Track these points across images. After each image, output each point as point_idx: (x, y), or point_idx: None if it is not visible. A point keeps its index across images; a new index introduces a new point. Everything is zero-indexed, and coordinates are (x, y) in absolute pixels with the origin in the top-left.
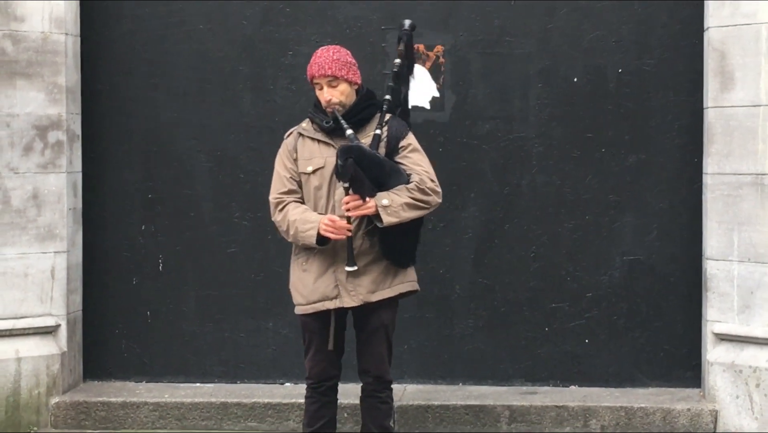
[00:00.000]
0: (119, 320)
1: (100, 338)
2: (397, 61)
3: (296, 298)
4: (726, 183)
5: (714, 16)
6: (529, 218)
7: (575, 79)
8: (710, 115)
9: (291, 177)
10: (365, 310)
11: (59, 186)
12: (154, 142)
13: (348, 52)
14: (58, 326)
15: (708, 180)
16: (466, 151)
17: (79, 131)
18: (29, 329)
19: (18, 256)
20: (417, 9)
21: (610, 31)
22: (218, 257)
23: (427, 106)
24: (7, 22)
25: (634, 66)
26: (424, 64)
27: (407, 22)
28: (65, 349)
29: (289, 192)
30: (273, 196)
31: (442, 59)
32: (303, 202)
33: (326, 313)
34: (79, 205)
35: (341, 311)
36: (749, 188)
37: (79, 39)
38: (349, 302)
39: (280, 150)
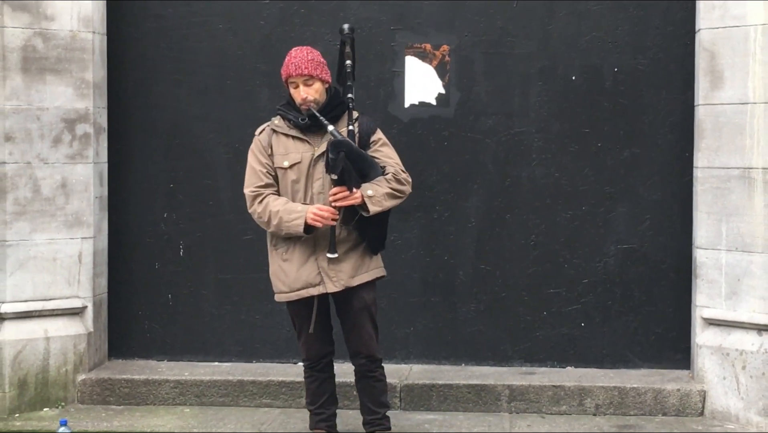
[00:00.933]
0: (142, 302)
1: (124, 319)
2: (348, 62)
3: (278, 286)
4: (715, 176)
5: (705, 18)
6: (529, 208)
7: (573, 78)
8: (701, 112)
9: (267, 171)
10: (347, 294)
11: (86, 176)
12: (176, 135)
13: (319, 52)
14: (85, 307)
15: (698, 173)
16: (470, 145)
17: (105, 124)
18: (57, 310)
19: (47, 241)
20: (424, 11)
21: (606, 33)
22: (236, 244)
23: (434, 103)
24: (38, 21)
25: (628, 65)
26: (430, 63)
27: (346, 26)
28: (91, 329)
29: (266, 186)
30: (250, 190)
31: (447, 58)
32: (279, 195)
33: (310, 298)
34: (105, 193)
35: (323, 296)
36: (737, 181)
37: (105, 37)
38: (332, 287)
39: (253, 146)
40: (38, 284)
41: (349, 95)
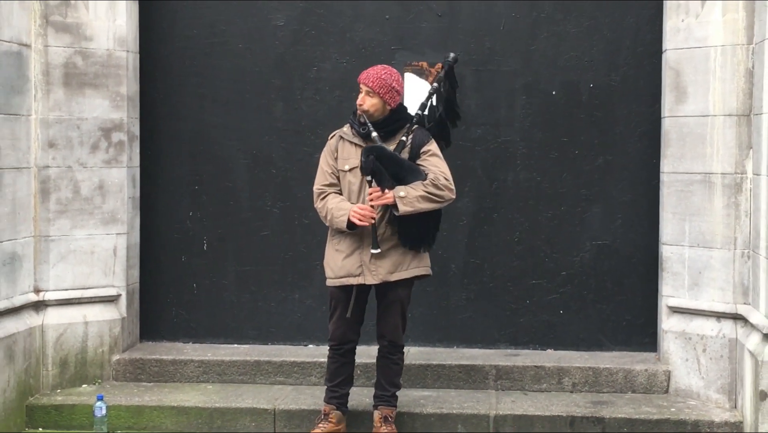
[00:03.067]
0: (170, 291)
1: (153, 306)
2: (435, 85)
3: (327, 272)
4: (679, 180)
5: (670, 40)
6: (514, 208)
7: (553, 93)
8: (666, 124)
9: (332, 172)
10: (385, 287)
11: (121, 178)
12: (200, 143)
13: (398, 79)
14: (119, 295)
15: (664, 178)
16: (461, 152)
17: (137, 133)
18: (95, 298)
19: (86, 237)
20: (421, 33)
21: (583, 53)
22: (253, 239)
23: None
24: (79, 40)
25: (603, 82)
26: (427, 79)
27: (452, 55)
28: (125, 315)
29: (330, 185)
30: (317, 187)
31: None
32: (341, 194)
33: (351, 286)
34: (137, 194)
35: (364, 287)
36: (699, 185)
37: (138, 55)
38: (370, 279)
39: (325, 149)
40: (78, 274)
41: (418, 111)
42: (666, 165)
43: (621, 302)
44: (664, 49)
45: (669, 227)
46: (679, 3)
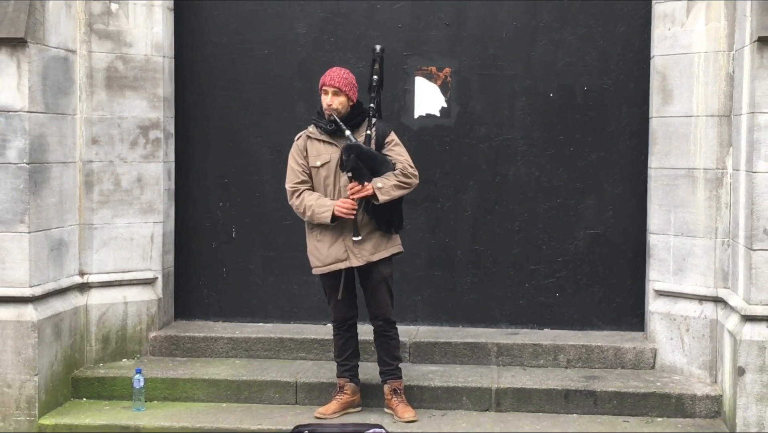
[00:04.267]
0: (202, 274)
1: (187, 288)
2: (375, 77)
3: (313, 262)
4: (665, 175)
5: (658, 47)
6: (514, 200)
7: (551, 95)
8: (654, 123)
9: (302, 170)
10: (368, 268)
11: (157, 172)
12: (229, 140)
13: (353, 76)
14: (156, 278)
15: (651, 173)
16: (467, 149)
17: (172, 130)
18: (134, 280)
19: (126, 225)
20: (431, 40)
21: (578, 58)
22: (277, 228)
23: (438, 114)
24: (119, 47)
25: (596, 85)
26: (435, 82)
27: (378, 47)
28: (161, 296)
29: (302, 182)
30: (290, 186)
31: (449, 78)
32: (314, 190)
33: (339, 271)
34: (172, 186)
35: (349, 270)
36: (683, 179)
37: (173, 60)
38: (355, 262)
39: (292, 150)
40: (118, 259)
41: (371, 105)
42: (653, 161)
43: (612, 286)
44: (652, 55)
45: (656, 217)
46: (665, 13)
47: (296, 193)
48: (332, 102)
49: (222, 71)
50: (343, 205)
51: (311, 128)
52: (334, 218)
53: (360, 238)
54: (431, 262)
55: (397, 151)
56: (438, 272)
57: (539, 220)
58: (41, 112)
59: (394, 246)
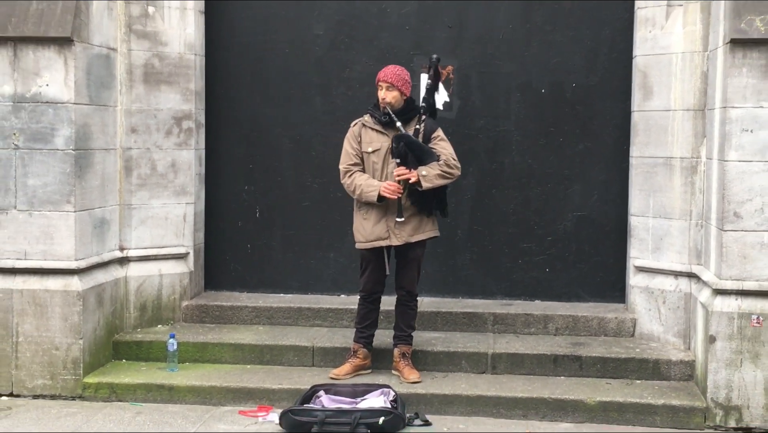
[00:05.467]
0: (228, 250)
1: (215, 262)
2: (428, 81)
3: (358, 237)
4: (645, 163)
5: (640, 47)
6: (509, 185)
7: (543, 91)
8: (635, 117)
9: (356, 154)
10: (405, 247)
11: (189, 158)
12: (253, 130)
13: (408, 73)
14: (188, 253)
15: (633, 161)
16: (467, 139)
17: (203, 121)
18: (168, 255)
19: (161, 205)
20: (435, 40)
21: (567, 58)
22: (296, 209)
23: (441, 108)
24: (156, 46)
25: (583, 82)
26: (440, 79)
27: (434, 56)
28: (192, 269)
29: (355, 164)
30: (343, 166)
31: (451, 76)
32: (364, 172)
33: (379, 248)
34: (203, 171)
35: (389, 248)
36: (661, 167)
37: (204, 58)
38: (395, 241)
39: (348, 134)
40: (154, 236)
41: (422, 104)
42: (634, 150)
43: (596, 263)
44: (634, 55)
45: (636, 201)
46: (647, 17)
47: (348, 174)
48: (386, 96)
49: (247, 68)
50: (389, 187)
51: (367, 117)
52: (380, 198)
53: (403, 219)
54: (435, 241)
55: (442, 146)
56: (440, 249)
57: (531, 203)
58: (85, 104)
59: (431, 231)
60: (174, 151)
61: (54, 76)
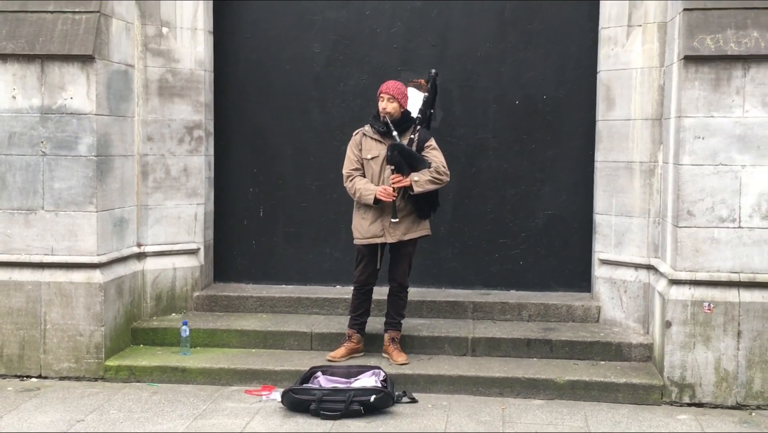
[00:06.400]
0: (235, 246)
1: (223, 256)
2: (426, 94)
3: (356, 234)
4: (609, 167)
5: (603, 63)
6: (487, 187)
7: (517, 102)
8: (600, 126)
9: (357, 160)
10: (399, 244)
11: (200, 163)
12: (258, 138)
13: (405, 88)
14: (198, 249)
15: (597, 165)
16: (449, 146)
17: (212, 130)
18: (181, 250)
19: (174, 206)
20: (421, 57)
21: (539, 73)
22: (297, 209)
23: (419, 115)
24: (169, 62)
25: (553, 94)
26: (424, 92)
27: (433, 71)
28: (203, 263)
29: (356, 169)
30: (346, 171)
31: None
32: (364, 176)
33: (375, 245)
34: (212, 175)
35: (384, 245)
36: (623, 171)
37: (213, 73)
38: (390, 239)
39: (351, 142)
40: (168, 233)
41: (418, 115)
42: (599, 156)
43: (565, 256)
44: (598, 70)
45: (600, 201)
46: (610, 36)
47: (350, 178)
48: (386, 106)
49: (252, 82)
50: (384, 191)
51: (367, 127)
52: (377, 200)
53: (397, 220)
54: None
55: (433, 154)
56: (425, 244)
57: (507, 203)
58: (106, 115)
59: (423, 230)
60: (186, 158)
61: (77, 90)
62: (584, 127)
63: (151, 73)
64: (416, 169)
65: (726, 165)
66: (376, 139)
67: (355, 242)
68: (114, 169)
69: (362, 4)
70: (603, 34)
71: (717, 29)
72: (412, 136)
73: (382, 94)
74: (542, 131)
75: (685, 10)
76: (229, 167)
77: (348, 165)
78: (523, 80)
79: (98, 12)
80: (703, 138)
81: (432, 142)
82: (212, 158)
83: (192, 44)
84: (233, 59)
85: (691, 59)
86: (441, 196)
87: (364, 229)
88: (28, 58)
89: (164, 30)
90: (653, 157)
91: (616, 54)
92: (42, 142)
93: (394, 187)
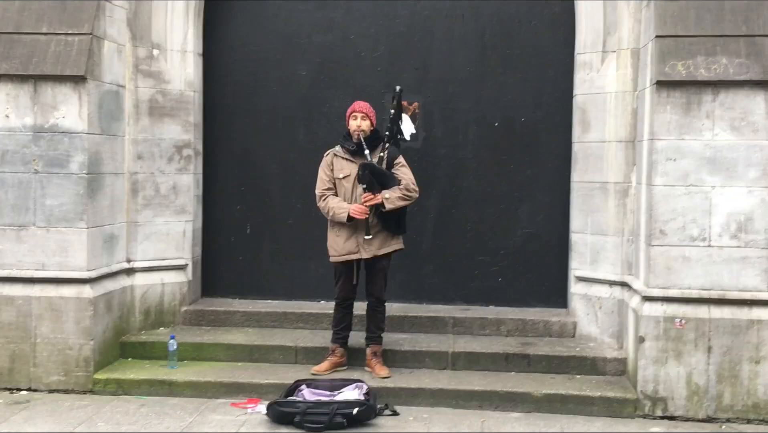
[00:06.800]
0: (223, 262)
1: (211, 272)
2: (392, 111)
3: (331, 252)
4: (584, 187)
5: (579, 87)
6: (467, 206)
7: (496, 124)
8: (576, 147)
9: (329, 180)
10: (374, 260)
11: (188, 182)
12: (245, 157)
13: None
14: (187, 264)
15: (573, 185)
16: (431, 166)
17: (201, 149)
18: (169, 266)
19: (164, 223)
20: (403, 80)
21: (517, 96)
22: (282, 226)
23: (408, 139)
24: (159, 84)
25: (531, 117)
26: (407, 113)
27: (398, 87)
28: (191, 278)
29: (328, 189)
30: (319, 191)
31: (417, 110)
32: (336, 195)
33: (350, 261)
34: (200, 193)
35: (359, 261)
36: (598, 191)
37: (202, 94)
38: (365, 255)
39: (322, 163)
40: (157, 249)
41: (386, 132)
42: (575, 176)
43: (542, 273)
44: (574, 94)
45: (576, 220)
46: (585, 61)
47: (323, 198)
48: (361, 124)
49: (240, 103)
50: (357, 209)
51: (338, 148)
52: (350, 218)
53: (371, 237)
54: (402, 254)
55: (403, 171)
56: (407, 261)
57: (486, 221)
58: (97, 134)
59: (396, 244)
60: (175, 176)
61: (69, 110)
62: (561, 149)
63: (142, 94)
64: (387, 187)
65: (697, 186)
66: (347, 159)
67: (332, 259)
68: (105, 186)
69: (347, 29)
70: (579, 59)
71: (688, 56)
72: (382, 153)
73: (354, 113)
74: (520, 152)
75: (657, 37)
76: (217, 185)
77: (320, 185)
78: (502, 103)
79: (91, 34)
80: (674, 160)
81: (401, 159)
82: (201, 176)
83: (182, 66)
84: (222, 81)
85: (663, 84)
86: (422, 214)
87: (339, 246)
88: (21, 78)
89: (155, 52)
90: (627, 178)
91: (591, 78)
92: (34, 160)
93: (366, 205)
